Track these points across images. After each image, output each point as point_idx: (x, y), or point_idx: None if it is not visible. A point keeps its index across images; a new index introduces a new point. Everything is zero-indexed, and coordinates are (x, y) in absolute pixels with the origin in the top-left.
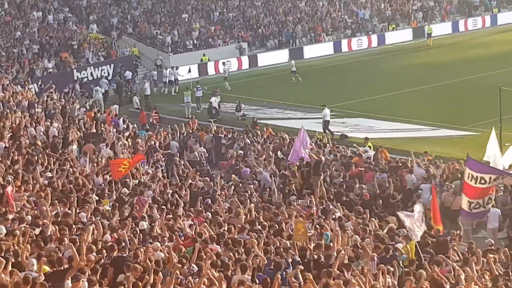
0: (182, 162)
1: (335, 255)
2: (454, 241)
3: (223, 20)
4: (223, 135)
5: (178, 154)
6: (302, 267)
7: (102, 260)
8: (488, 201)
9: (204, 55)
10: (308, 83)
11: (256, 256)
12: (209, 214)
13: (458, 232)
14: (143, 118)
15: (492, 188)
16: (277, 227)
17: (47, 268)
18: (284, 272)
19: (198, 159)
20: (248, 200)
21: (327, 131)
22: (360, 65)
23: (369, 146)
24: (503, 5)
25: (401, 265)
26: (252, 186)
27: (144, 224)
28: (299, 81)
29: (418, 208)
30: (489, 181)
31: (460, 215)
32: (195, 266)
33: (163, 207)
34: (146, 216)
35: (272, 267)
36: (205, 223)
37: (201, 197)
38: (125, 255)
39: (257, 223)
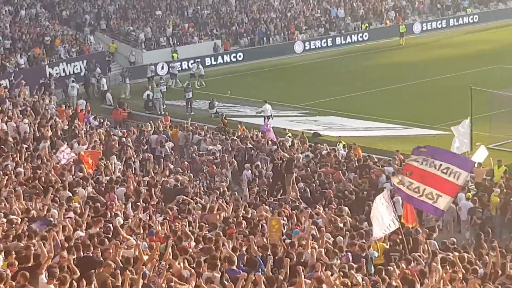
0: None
1: (308, 253)
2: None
3: (197, 17)
4: (196, 132)
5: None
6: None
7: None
8: (447, 202)
9: (174, 52)
10: (281, 82)
11: (228, 254)
12: (182, 211)
13: (428, 230)
14: (117, 115)
15: (448, 189)
16: (250, 225)
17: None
18: (259, 270)
19: (169, 152)
20: (221, 197)
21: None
22: (333, 64)
23: (344, 145)
24: (474, 5)
25: (372, 261)
26: (224, 183)
27: (120, 220)
28: (203, 85)
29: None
30: (438, 168)
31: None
32: (164, 263)
33: (137, 203)
34: (119, 212)
35: (245, 264)
36: (179, 220)
37: (175, 194)
38: (91, 254)
39: (230, 220)
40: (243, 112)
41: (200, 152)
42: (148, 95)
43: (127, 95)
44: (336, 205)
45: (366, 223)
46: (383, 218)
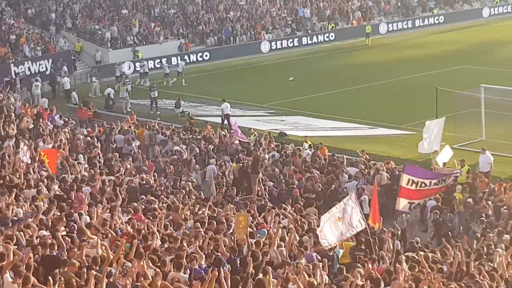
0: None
1: (274, 251)
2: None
3: (163, 17)
4: (160, 132)
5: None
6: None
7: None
8: (427, 199)
9: (137, 51)
10: (247, 81)
11: (193, 253)
12: (148, 209)
13: (393, 229)
14: (82, 114)
15: (436, 190)
16: (216, 223)
17: None
18: (223, 269)
19: (136, 151)
20: (187, 196)
21: (225, 123)
22: (299, 64)
23: (310, 145)
24: (440, 6)
25: (338, 260)
26: (190, 183)
27: (86, 219)
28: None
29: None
30: (429, 185)
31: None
32: (128, 263)
33: (102, 203)
34: (83, 212)
35: (211, 263)
36: (143, 219)
37: (140, 193)
38: (55, 253)
39: (196, 219)
40: (209, 111)
41: (164, 152)
42: (109, 94)
43: (96, 94)
44: (302, 205)
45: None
46: (351, 217)
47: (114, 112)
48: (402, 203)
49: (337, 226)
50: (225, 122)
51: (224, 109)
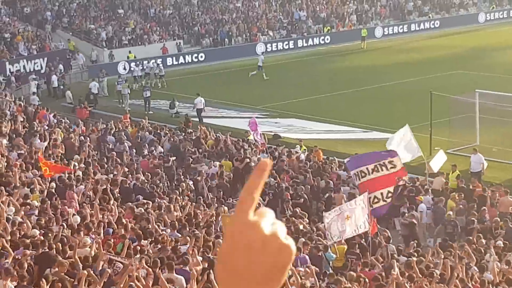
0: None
1: None
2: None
3: (159, 17)
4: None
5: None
6: None
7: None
8: (387, 194)
9: (130, 52)
10: (242, 83)
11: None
12: (141, 210)
13: (386, 234)
14: (82, 114)
15: (389, 181)
16: (208, 225)
17: None
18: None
19: (127, 150)
20: (181, 197)
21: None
22: (294, 66)
23: (304, 150)
24: (436, 10)
25: (330, 264)
26: (184, 184)
27: (77, 219)
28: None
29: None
30: (369, 172)
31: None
32: (120, 264)
33: (94, 202)
34: (76, 211)
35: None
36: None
37: (134, 193)
38: (48, 251)
39: (188, 221)
40: (204, 113)
41: (153, 152)
42: (90, 89)
43: (104, 92)
44: (292, 207)
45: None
46: (357, 218)
47: (96, 109)
48: (367, 199)
49: (343, 224)
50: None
51: (198, 103)
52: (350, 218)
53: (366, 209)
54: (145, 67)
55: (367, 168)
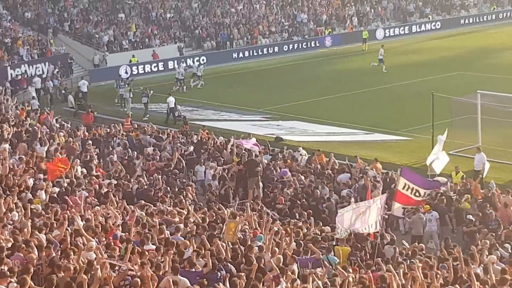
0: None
1: (269, 257)
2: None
3: (160, 21)
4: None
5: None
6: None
7: (35, 261)
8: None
9: (133, 56)
10: (244, 86)
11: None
12: (143, 214)
13: (389, 236)
14: (89, 119)
15: (416, 203)
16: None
17: None
18: (218, 274)
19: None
20: (185, 200)
21: (173, 118)
22: (295, 69)
23: (305, 153)
24: (437, 12)
25: (332, 267)
26: (189, 187)
27: (81, 223)
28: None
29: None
30: (423, 195)
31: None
32: (123, 266)
33: (97, 206)
34: (79, 215)
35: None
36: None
37: (136, 197)
38: (54, 255)
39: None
40: (206, 116)
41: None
42: (79, 87)
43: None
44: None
45: (328, 227)
46: (370, 216)
47: (81, 110)
48: (397, 207)
49: (357, 218)
50: (171, 116)
51: (170, 103)
52: (364, 214)
53: (381, 210)
54: (186, 68)
55: (424, 192)
